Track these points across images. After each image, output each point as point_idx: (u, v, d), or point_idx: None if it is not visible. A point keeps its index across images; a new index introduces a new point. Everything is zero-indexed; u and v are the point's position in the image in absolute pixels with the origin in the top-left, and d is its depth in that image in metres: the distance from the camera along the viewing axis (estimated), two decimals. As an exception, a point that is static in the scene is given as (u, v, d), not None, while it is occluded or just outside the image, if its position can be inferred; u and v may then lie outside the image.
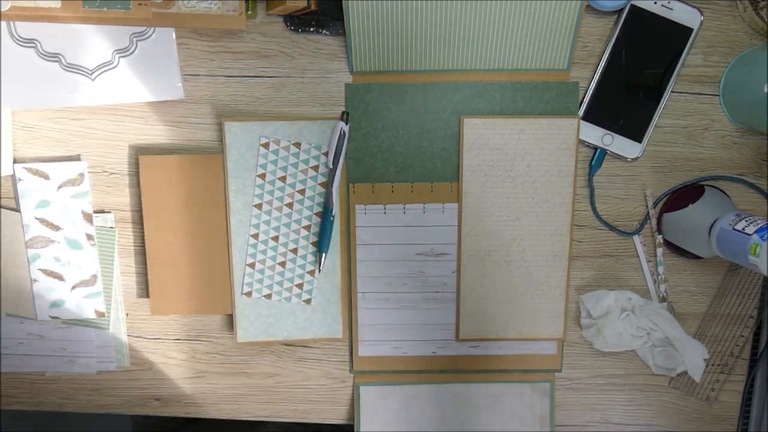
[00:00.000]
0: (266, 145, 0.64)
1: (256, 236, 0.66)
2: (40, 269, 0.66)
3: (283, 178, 0.65)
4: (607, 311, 0.67)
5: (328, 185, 0.64)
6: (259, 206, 0.65)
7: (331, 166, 0.64)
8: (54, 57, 0.60)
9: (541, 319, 0.67)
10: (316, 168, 0.65)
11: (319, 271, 0.66)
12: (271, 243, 0.66)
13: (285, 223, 0.66)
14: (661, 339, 0.68)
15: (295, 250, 0.66)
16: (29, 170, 0.64)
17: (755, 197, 0.68)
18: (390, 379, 0.69)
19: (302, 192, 0.65)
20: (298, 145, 0.65)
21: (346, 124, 0.63)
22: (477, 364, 0.69)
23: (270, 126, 0.64)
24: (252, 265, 0.66)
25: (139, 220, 0.66)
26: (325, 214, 0.64)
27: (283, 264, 0.66)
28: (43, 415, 0.72)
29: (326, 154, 0.65)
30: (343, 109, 0.64)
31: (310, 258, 0.66)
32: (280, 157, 0.65)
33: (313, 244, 0.66)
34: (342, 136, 0.63)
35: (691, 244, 0.66)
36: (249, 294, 0.66)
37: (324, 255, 0.66)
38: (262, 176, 0.65)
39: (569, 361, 0.70)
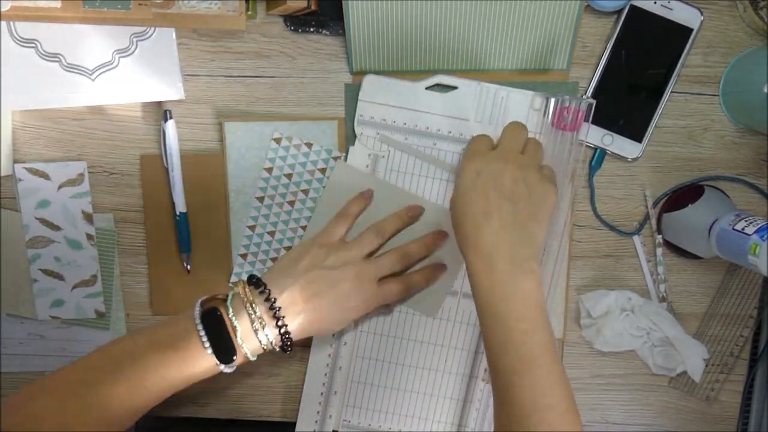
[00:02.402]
0: (278, 141, 0.64)
1: (252, 228, 0.66)
2: (40, 269, 0.66)
3: (289, 176, 0.65)
4: (607, 311, 0.67)
5: (169, 186, 0.64)
6: (261, 199, 0.65)
7: (165, 166, 0.64)
8: (54, 57, 0.60)
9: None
10: (323, 171, 0.65)
11: (188, 272, 0.66)
12: (267, 237, 0.66)
13: (284, 220, 0.66)
14: (661, 339, 0.68)
15: (289, 248, 0.66)
16: (29, 170, 0.64)
17: (755, 197, 0.68)
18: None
19: (306, 192, 0.66)
20: (309, 145, 0.65)
21: (165, 122, 0.63)
22: (477, 364, 0.69)
23: (270, 126, 0.64)
24: (244, 256, 0.66)
25: (139, 220, 0.66)
26: (174, 215, 0.65)
27: (274, 260, 0.66)
28: (43, 415, 0.72)
29: (336, 158, 0.65)
30: (164, 109, 0.64)
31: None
32: (290, 155, 0.65)
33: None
34: (164, 135, 0.63)
35: (691, 244, 0.66)
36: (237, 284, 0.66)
37: (188, 256, 0.66)
38: (269, 170, 0.65)
39: (569, 361, 0.70)
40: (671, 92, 0.65)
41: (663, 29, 0.64)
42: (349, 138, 0.65)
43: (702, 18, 0.63)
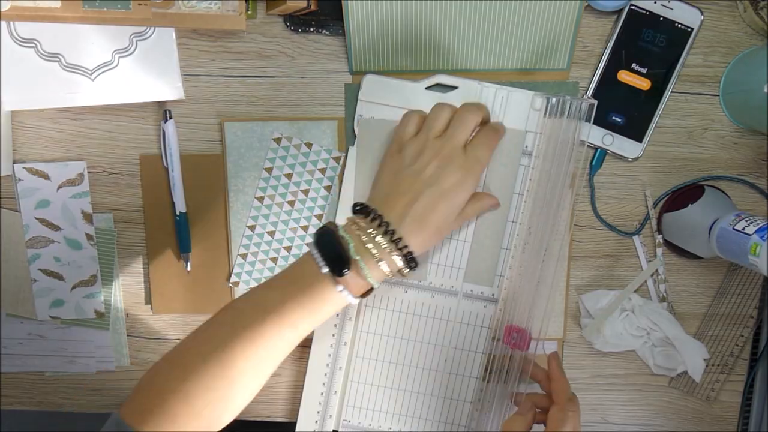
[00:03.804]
0: (278, 141, 0.64)
1: (252, 228, 0.66)
2: (40, 269, 0.66)
3: (289, 176, 0.65)
4: (607, 311, 0.67)
5: (169, 186, 0.64)
6: (261, 199, 0.65)
7: (165, 166, 0.64)
8: (54, 57, 0.60)
9: (541, 319, 0.67)
10: (323, 171, 0.65)
11: (188, 272, 0.66)
12: (267, 237, 0.66)
13: (284, 220, 0.66)
14: (661, 339, 0.68)
15: (288, 248, 0.66)
16: (29, 170, 0.64)
17: (755, 197, 0.68)
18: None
19: (306, 192, 0.66)
20: (309, 145, 0.65)
21: (165, 122, 0.63)
22: (477, 364, 0.69)
23: (270, 126, 0.64)
24: (243, 256, 0.66)
25: (139, 220, 0.66)
26: (174, 215, 0.65)
27: (274, 260, 0.66)
28: (43, 415, 0.72)
29: (336, 158, 0.65)
30: (163, 109, 0.64)
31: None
32: (290, 155, 0.65)
33: (308, 245, 0.66)
34: (164, 135, 0.63)
35: (691, 244, 0.66)
36: (236, 284, 0.66)
37: (188, 256, 0.66)
38: (269, 170, 0.65)
39: (569, 361, 0.70)
40: (671, 92, 0.65)
41: (663, 29, 0.64)
42: (349, 138, 0.65)
43: (702, 18, 0.63)
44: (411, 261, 0.54)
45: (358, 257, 0.52)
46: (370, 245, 0.53)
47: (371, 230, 0.53)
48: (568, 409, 0.56)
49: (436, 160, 0.55)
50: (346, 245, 0.53)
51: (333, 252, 0.53)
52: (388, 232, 0.53)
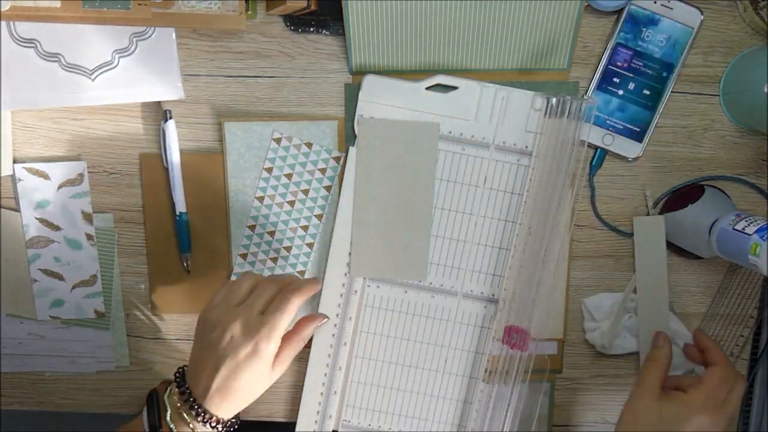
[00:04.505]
0: (278, 141, 0.64)
1: (252, 228, 0.66)
2: (40, 269, 0.66)
3: (289, 176, 0.65)
4: (611, 314, 0.67)
5: (169, 186, 0.64)
6: (261, 199, 0.65)
7: (165, 166, 0.64)
8: (54, 57, 0.60)
9: (541, 319, 0.67)
10: (323, 171, 0.65)
11: (188, 272, 0.66)
12: (267, 237, 0.66)
13: (284, 220, 0.66)
14: (661, 339, 0.68)
15: (288, 248, 0.66)
16: (29, 170, 0.64)
17: (755, 197, 0.68)
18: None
19: (306, 192, 0.66)
20: (309, 145, 0.65)
21: (165, 122, 0.63)
22: (477, 364, 0.69)
23: (270, 126, 0.64)
24: (243, 256, 0.66)
25: (139, 220, 0.66)
26: (174, 215, 0.65)
27: (274, 260, 0.66)
28: (43, 415, 0.72)
29: (336, 158, 0.65)
30: (164, 109, 0.64)
31: (303, 258, 0.66)
32: (290, 155, 0.65)
33: (308, 245, 0.66)
34: (164, 135, 0.63)
35: (691, 244, 0.66)
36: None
37: (188, 256, 0.66)
38: (269, 170, 0.65)
39: (569, 362, 0.70)
40: (671, 92, 0.65)
41: (663, 29, 0.64)
42: (349, 138, 0.65)
43: (702, 18, 0.63)
44: (224, 426, 0.56)
45: (172, 425, 0.56)
46: (183, 414, 0.55)
47: (179, 404, 0.55)
48: (732, 374, 0.60)
49: (231, 331, 0.54)
50: (164, 412, 0.56)
51: (153, 416, 0.58)
52: (194, 407, 0.55)
